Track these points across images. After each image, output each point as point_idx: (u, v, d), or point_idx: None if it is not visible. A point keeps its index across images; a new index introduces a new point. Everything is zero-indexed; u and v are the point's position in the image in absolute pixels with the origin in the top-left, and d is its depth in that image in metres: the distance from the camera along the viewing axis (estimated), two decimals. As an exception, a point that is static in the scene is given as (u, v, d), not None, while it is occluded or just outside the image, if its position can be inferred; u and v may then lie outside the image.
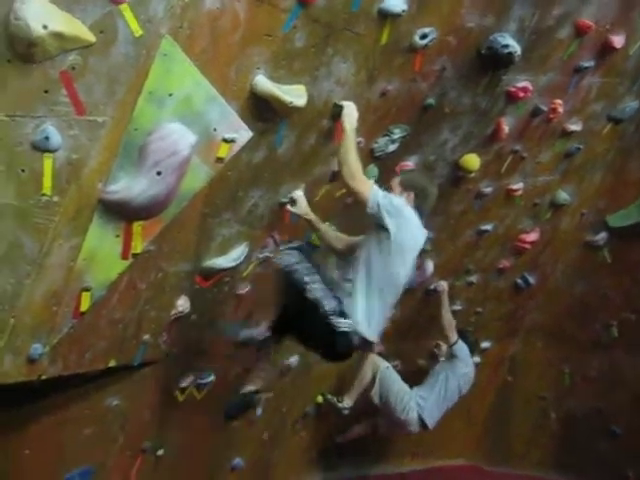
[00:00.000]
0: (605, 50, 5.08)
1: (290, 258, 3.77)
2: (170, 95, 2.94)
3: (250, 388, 4.34)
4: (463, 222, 5.86)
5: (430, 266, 5.96)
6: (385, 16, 3.74)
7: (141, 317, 3.78)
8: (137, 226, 3.18)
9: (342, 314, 3.72)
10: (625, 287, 6.93)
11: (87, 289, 3.16)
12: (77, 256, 3.02)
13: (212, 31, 3.07)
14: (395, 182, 3.97)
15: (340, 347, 3.80)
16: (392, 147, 4.44)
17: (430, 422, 6.10)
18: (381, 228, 3.70)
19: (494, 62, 4.47)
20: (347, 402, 5.92)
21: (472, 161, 5.16)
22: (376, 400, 6.01)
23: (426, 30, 3.99)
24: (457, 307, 6.55)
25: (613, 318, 7.14)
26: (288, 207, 4.15)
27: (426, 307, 6.45)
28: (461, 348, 6.15)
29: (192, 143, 3.01)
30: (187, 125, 3.02)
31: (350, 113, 3.81)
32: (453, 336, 6.13)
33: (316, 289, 3.71)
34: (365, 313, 3.77)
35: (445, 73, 4.40)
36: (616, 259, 6.88)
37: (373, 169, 4.58)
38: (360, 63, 3.87)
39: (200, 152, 3.15)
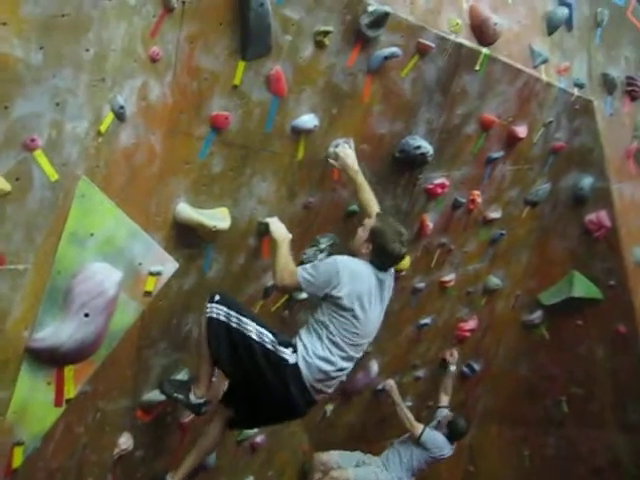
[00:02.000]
0: (511, 140, 5.36)
1: (218, 310, 3.70)
2: (92, 235, 2.92)
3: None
4: (402, 319, 5.90)
5: (375, 367, 5.93)
6: (299, 133, 3.86)
7: (81, 462, 3.60)
8: (69, 370, 3.05)
9: (285, 344, 3.72)
10: (567, 361, 7.04)
11: (19, 443, 2.97)
12: (6, 410, 2.87)
13: (129, 167, 3.11)
14: (368, 224, 3.93)
15: (291, 381, 3.69)
16: (321, 256, 4.47)
17: None
18: (326, 295, 3.72)
19: (409, 163, 4.65)
20: None
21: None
22: None
23: (340, 141, 4.12)
24: (408, 403, 6.46)
25: (561, 394, 7.22)
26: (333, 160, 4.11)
27: (377, 408, 6.37)
28: (429, 439, 5.94)
29: (118, 281, 2.97)
30: (111, 262, 2.99)
31: (277, 227, 3.88)
32: (417, 430, 5.94)
33: (251, 327, 3.69)
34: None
35: (364, 179, 4.52)
36: (554, 335, 7.02)
37: None
38: (280, 180, 3.96)
39: (127, 288, 3.11)
